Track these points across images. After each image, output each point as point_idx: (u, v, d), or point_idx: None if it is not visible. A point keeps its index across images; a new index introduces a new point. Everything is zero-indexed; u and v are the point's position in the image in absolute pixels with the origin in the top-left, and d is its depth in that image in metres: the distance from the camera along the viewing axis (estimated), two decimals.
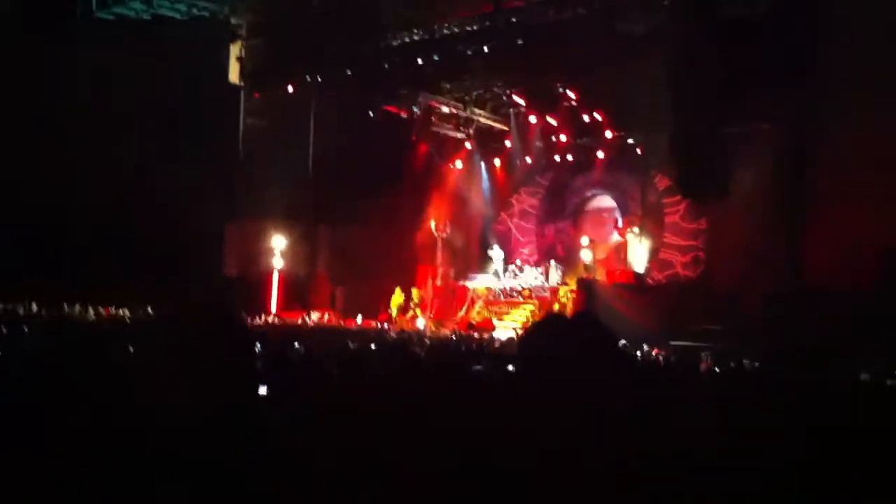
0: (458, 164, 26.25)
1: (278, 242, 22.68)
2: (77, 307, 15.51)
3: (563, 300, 20.88)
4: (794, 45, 15.74)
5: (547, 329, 2.39)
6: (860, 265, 14.97)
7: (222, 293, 18.55)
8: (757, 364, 8.56)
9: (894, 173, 15.12)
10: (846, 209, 15.57)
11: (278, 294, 22.48)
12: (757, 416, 3.83)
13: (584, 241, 22.79)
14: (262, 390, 3.87)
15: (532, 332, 2.48)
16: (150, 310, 16.15)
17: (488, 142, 26.00)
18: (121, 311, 15.94)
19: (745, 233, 18.54)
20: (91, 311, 15.29)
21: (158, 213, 18.33)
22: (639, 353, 12.48)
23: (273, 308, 21.94)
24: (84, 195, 17.19)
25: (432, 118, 24.59)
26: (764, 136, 18.15)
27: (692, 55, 15.93)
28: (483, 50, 19.58)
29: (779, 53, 15.79)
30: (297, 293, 22.87)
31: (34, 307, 14.64)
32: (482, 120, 24.85)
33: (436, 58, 20.36)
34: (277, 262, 22.69)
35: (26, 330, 8.40)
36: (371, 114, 22.92)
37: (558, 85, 21.50)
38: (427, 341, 12.38)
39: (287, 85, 22.33)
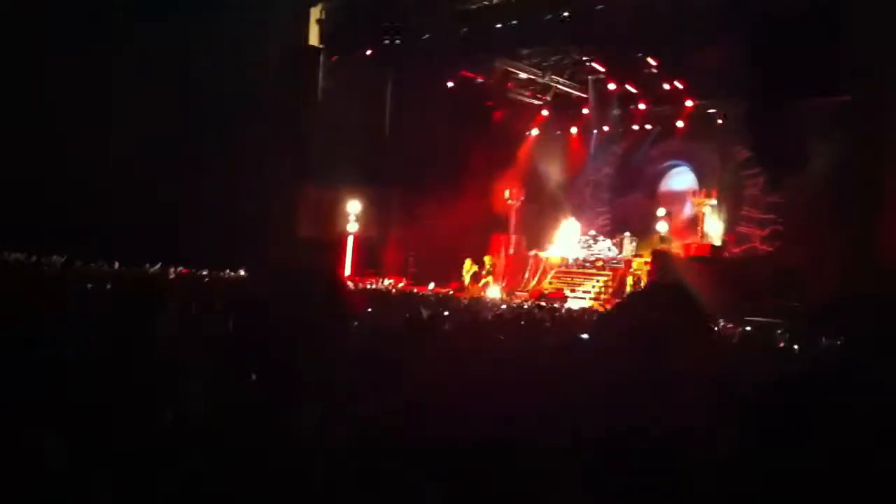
0: (535, 131, 26.06)
1: (353, 207, 22.84)
2: (158, 266, 15.78)
3: (638, 272, 20.65)
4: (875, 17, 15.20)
5: (643, 300, 2.36)
6: None
7: (298, 256, 18.70)
8: (838, 342, 8.31)
9: None
10: None
11: (352, 259, 22.68)
12: (839, 400, 3.71)
13: (661, 212, 22.42)
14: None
15: (627, 303, 2.44)
16: (228, 272, 16.52)
17: (565, 109, 25.72)
18: (202, 272, 16.22)
19: (821, 208, 18.08)
20: (172, 270, 15.54)
21: (232, 176, 18.57)
22: (714, 328, 12.24)
23: (347, 272, 22.15)
24: (157, 159, 17.40)
25: (509, 84, 24.41)
26: (841, 110, 17.58)
27: (771, 26, 15.57)
28: (562, 15, 19.28)
29: (858, 26, 15.31)
30: (371, 258, 23.03)
31: (116, 265, 14.96)
32: (560, 87, 24.56)
33: (514, 22, 20.13)
34: (351, 227, 22.87)
35: (109, 286, 8.56)
36: (448, 79, 22.84)
37: (638, 52, 21.10)
38: (498, 310, 12.33)
39: (365, 49, 22.39)
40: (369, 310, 8.86)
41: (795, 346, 8.97)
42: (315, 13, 22.52)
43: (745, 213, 22.11)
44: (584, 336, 6.49)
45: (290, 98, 21.12)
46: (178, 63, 17.57)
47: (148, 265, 15.25)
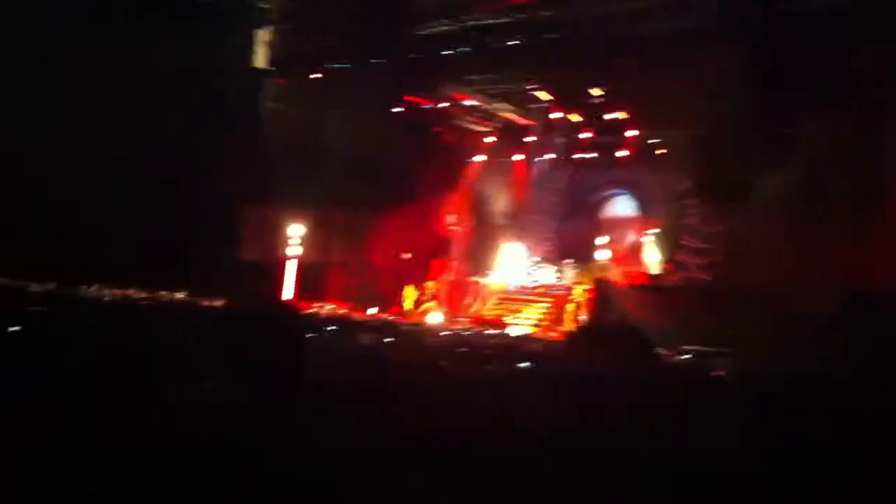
0: (480, 157, 26.16)
1: (294, 230, 22.61)
2: (97, 288, 15.48)
3: (578, 299, 20.76)
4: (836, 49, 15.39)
5: (589, 336, 2.37)
6: None
7: (237, 280, 18.45)
8: (780, 373, 8.37)
9: None
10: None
11: (295, 283, 22.41)
12: (781, 429, 3.73)
13: (602, 240, 22.63)
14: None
15: (575, 338, 2.46)
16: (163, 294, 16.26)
17: (511, 137, 25.90)
18: (141, 294, 15.93)
19: (768, 236, 18.29)
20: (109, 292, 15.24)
21: (174, 196, 18.34)
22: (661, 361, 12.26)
23: (287, 297, 21.88)
24: (99, 178, 17.16)
25: (456, 110, 24.51)
26: (796, 140, 17.82)
27: (724, 56, 15.79)
28: (512, 44, 19.42)
29: (817, 56, 15.49)
30: (311, 283, 22.78)
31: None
32: (506, 114, 24.73)
33: (462, 49, 20.23)
34: (292, 250, 22.62)
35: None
36: (394, 104, 22.85)
37: (585, 82, 21.33)
38: (439, 336, 12.31)
39: (312, 72, 22.31)
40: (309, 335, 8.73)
41: (732, 375, 9.03)
42: (263, 36, 22.41)
43: (685, 243, 22.38)
44: (527, 364, 6.50)
45: (235, 121, 20.93)
46: (123, 83, 17.40)
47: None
